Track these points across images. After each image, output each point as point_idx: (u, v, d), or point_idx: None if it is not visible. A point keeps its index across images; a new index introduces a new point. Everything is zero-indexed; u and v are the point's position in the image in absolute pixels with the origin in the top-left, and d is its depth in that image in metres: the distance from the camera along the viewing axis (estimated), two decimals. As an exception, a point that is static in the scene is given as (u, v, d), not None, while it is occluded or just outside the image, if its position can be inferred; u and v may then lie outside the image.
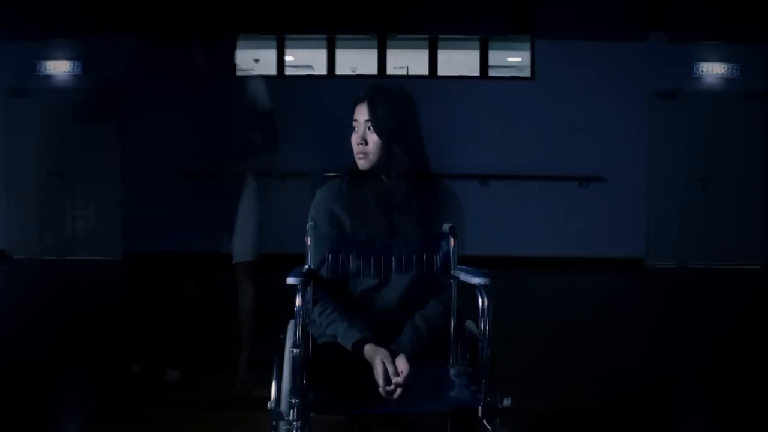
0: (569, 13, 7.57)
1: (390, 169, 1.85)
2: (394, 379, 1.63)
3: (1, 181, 7.85)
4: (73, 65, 7.83)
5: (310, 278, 1.81)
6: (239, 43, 7.88)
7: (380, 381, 1.65)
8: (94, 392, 3.24)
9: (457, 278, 1.84)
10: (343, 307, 1.82)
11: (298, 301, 1.66)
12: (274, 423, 1.78)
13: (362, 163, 1.86)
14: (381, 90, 1.88)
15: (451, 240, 1.88)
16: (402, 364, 1.65)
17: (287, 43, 7.94)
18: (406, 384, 1.64)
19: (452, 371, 1.82)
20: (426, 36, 7.90)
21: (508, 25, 7.69)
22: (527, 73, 7.89)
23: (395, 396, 1.63)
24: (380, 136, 1.83)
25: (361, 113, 1.85)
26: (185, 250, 8.49)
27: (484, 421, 1.64)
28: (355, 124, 1.87)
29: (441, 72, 7.90)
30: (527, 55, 7.88)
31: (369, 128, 1.83)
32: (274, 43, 7.89)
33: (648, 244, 7.81)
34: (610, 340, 4.48)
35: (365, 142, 1.84)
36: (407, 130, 1.85)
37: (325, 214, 1.87)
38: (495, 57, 7.99)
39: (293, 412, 1.61)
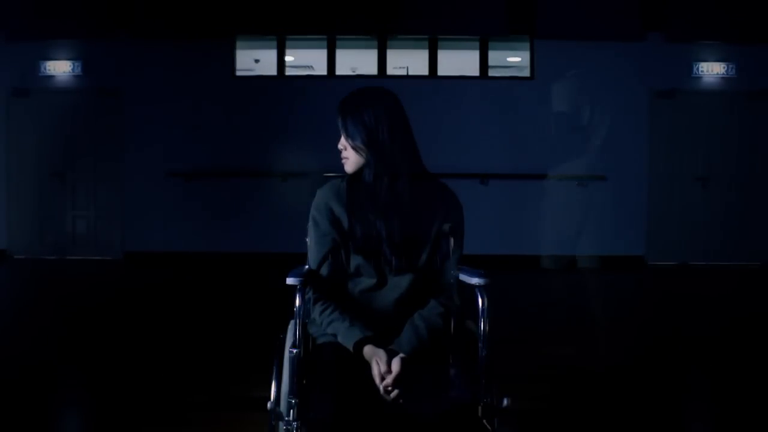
0: (569, 13, 7.58)
1: (377, 170, 1.85)
2: (385, 381, 1.64)
3: (2, 180, 7.85)
4: (74, 65, 7.83)
5: (309, 278, 1.81)
6: (240, 44, 7.91)
7: (377, 381, 1.65)
8: (93, 392, 3.25)
9: (456, 278, 1.84)
10: (344, 306, 1.82)
11: (297, 301, 1.67)
12: (273, 423, 1.79)
13: (346, 167, 1.91)
14: (353, 97, 1.89)
15: (451, 240, 1.88)
16: (395, 366, 1.65)
17: (288, 43, 7.94)
18: (401, 385, 1.64)
19: (452, 371, 1.82)
20: (426, 36, 7.91)
21: (508, 25, 7.69)
22: (527, 73, 7.90)
23: (391, 396, 1.64)
24: (349, 142, 1.86)
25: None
26: (185, 251, 8.55)
27: (484, 421, 1.64)
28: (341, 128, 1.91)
29: (441, 72, 7.90)
30: (527, 55, 7.89)
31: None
32: (275, 43, 7.89)
33: (648, 242, 7.81)
34: (610, 338, 4.49)
35: (345, 147, 1.88)
36: (384, 135, 1.83)
37: (326, 214, 1.87)
38: (495, 57, 7.99)
39: (292, 412, 1.61)
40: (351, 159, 1.87)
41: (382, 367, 1.65)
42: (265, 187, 7.62)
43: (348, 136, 1.86)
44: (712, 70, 7.82)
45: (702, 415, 3.17)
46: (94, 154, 7.89)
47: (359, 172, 1.88)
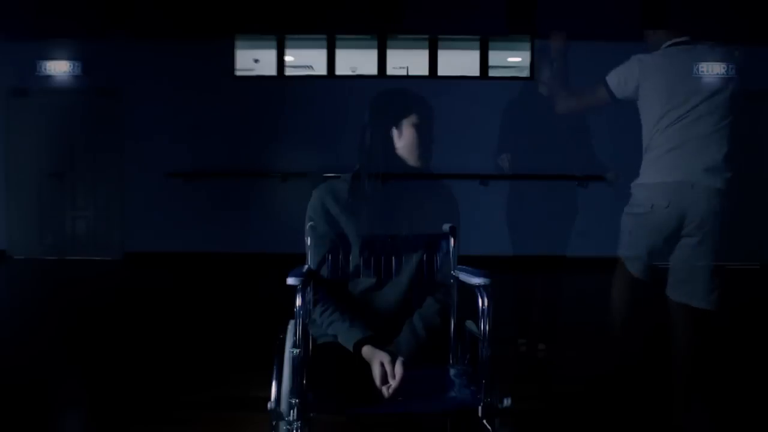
0: (569, 13, 7.57)
1: (419, 167, 1.94)
2: (388, 385, 1.64)
3: (2, 181, 7.85)
4: (73, 65, 7.83)
5: (310, 279, 1.81)
6: (240, 44, 7.90)
7: (377, 382, 1.65)
8: (93, 391, 3.24)
9: (457, 278, 1.84)
10: (344, 307, 1.82)
11: (298, 302, 1.66)
12: (274, 423, 1.79)
13: (411, 162, 1.97)
14: (402, 95, 2.02)
15: (451, 240, 1.88)
16: (398, 368, 1.65)
17: (287, 43, 7.94)
18: (402, 386, 1.64)
19: (452, 371, 1.82)
20: (426, 36, 7.90)
21: (508, 25, 7.68)
22: (527, 73, 7.89)
23: (390, 392, 1.64)
24: (409, 139, 1.96)
25: None
26: (185, 251, 8.53)
27: (484, 421, 1.64)
28: None
29: (441, 72, 7.90)
30: (527, 55, 7.88)
31: None
32: (274, 43, 7.89)
33: (648, 243, 7.80)
34: (610, 339, 4.47)
35: (402, 142, 1.97)
36: (431, 135, 2.00)
37: (322, 215, 1.88)
38: (495, 57, 7.99)
39: (293, 412, 1.61)
40: (410, 157, 1.93)
41: (388, 368, 1.65)
42: (264, 187, 7.61)
43: (401, 134, 1.92)
44: (711, 70, 7.81)
45: (701, 415, 3.16)
46: (94, 154, 7.88)
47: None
